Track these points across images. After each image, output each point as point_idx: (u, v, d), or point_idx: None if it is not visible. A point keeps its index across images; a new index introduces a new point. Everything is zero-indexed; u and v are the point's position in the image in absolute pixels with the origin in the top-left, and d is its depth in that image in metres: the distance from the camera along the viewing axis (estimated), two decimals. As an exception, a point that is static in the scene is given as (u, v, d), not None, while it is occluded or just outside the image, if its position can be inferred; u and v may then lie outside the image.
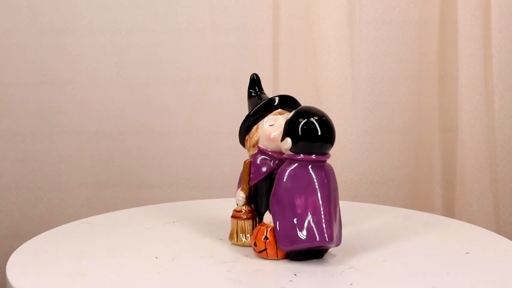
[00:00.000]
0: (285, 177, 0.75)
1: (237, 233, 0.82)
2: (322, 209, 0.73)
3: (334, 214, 0.75)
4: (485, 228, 0.95)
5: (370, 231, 0.91)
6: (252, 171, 0.82)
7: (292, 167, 0.75)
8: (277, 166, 0.80)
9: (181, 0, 1.32)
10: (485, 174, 1.27)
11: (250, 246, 0.81)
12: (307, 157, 0.74)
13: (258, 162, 0.82)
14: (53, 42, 1.32)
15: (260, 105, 0.82)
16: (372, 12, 1.29)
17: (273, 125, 0.81)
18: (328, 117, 0.75)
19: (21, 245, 0.84)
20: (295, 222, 0.74)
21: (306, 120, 0.74)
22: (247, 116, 0.82)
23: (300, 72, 1.33)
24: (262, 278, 0.73)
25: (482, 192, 1.27)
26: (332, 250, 0.79)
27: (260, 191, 0.82)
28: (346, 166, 1.31)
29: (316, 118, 0.74)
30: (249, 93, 0.86)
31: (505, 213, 1.31)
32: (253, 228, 0.82)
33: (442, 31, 1.31)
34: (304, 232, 0.73)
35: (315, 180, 0.74)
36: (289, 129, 0.75)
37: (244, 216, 0.82)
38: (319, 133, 0.74)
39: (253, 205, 0.83)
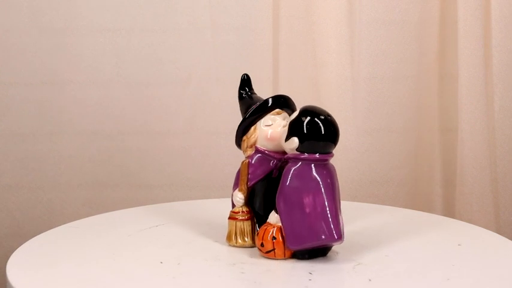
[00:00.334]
0: (292, 176, 0.76)
1: (235, 234, 0.82)
2: (330, 208, 0.74)
3: (339, 212, 0.76)
4: (485, 228, 0.95)
5: (370, 230, 0.91)
6: (250, 171, 0.81)
7: (299, 167, 0.76)
8: (276, 166, 0.81)
9: (181, 0, 1.32)
10: (485, 174, 1.27)
11: (250, 247, 0.81)
12: (315, 156, 0.75)
13: (257, 162, 0.81)
14: (53, 42, 1.32)
15: (257, 106, 0.81)
16: (372, 12, 1.29)
17: (271, 125, 0.81)
18: (332, 116, 0.76)
19: (21, 245, 0.84)
20: (304, 221, 0.74)
21: (313, 119, 0.75)
22: (245, 118, 0.82)
23: (300, 72, 1.33)
24: (280, 278, 0.73)
25: (482, 192, 1.27)
26: (334, 248, 0.79)
27: (257, 191, 0.82)
28: (346, 166, 1.31)
29: (323, 118, 0.75)
30: (240, 94, 0.85)
31: (505, 213, 1.31)
32: (252, 229, 0.82)
33: (442, 31, 1.31)
34: (314, 231, 0.74)
35: (322, 179, 0.75)
36: (296, 129, 0.76)
37: (243, 217, 0.82)
38: (327, 132, 0.75)
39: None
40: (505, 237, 0.88)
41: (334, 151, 0.77)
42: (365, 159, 1.32)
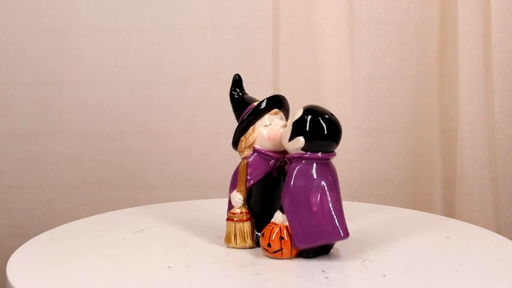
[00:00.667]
0: (298, 176, 0.76)
1: (235, 235, 0.82)
2: (336, 205, 0.76)
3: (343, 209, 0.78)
4: (485, 228, 0.95)
5: (370, 228, 0.91)
6: (248, 172, 0.81)
7: (305, 166, 0.77)
8: (274, 166, 0.81)
9: (181, 0, 1.32)
10: (485, 174, 1.27)
11: (250, 248, 0.81)
12: (320, 155, 0.76)
13: (255, 162, 0.81)
14: (53, 42, 1.32)
15: (257, 106, 0.81)
16: (372, 12, 1.29)
17: (270, 125, 0.81)
18: (334, 115, 0.78)
19: (21, 245, 0.84)
20: (312, 219, 0.75)
21: (319, 119, 0.76)
22: (244, 118, 0.82)
23: (300, 72, 1.33)
24: (298, 277, 0.73)
25: (482, 192, 1.27)
26: (335, 246, 0.80)
27: (256, 192, 0.82)
28: (346, 166, 1.31)
29: (327, 117, 0.77)
30: (232, 95, 0.85)
31: (505, 213, 1.31)
32: (252, 230, 0.82)
33: (442, 31, 1.31)
34: (321, 229, 0.75)
35: (327, 178, 0.76)
36: (302, 128, 0.76)
37: (243, 218, 0.82)
38: (332, 131, 0.77)
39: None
40: (505, 237, 0.89)
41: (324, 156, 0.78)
42: (365, 159, 1.32)
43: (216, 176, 1.34)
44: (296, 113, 0.79)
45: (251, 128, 0.82)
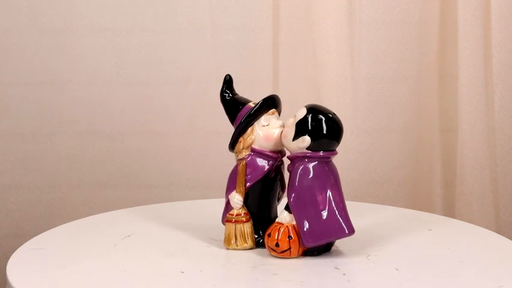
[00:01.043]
0: (304, 175, 0.77)
1: (235, 237, 0.81)
2: (340, 203, 0.77)
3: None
4: (485, 228, 0.95)
5: (369, 227, 0.91)
6: (247, 172, 0.81)
7: (309, 165, 0.78)
8: (272, 166, 0.81)
9: (181, 0, 1.32)
10: (485, 174, 1.27)
11: (250, 249, 0.81)
12: (324, 154, 0.78)
13: (254, 163, 0.81)
14: (53, 42, 1.32)
15: (256, 107, 0.81)
16: (372, 12, 1.29)
17: (268, 125, 0.81)
18: (336, 114, 0.79)
19: (21, 245, 0.84)
20: (318, 217, 0.77)
21: (324, 118, 0.78)
22: (244, 119, 0.81)
23: (300, 72, 1.33)
24: (315, 275, 0.74)
25: (482, 192, 1.27)
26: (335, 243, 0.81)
27: (253, 192, 0.82)
28: (346, 166, 1.31)
29: (330, 116, 0.78)
30: (224, 96, 0.85)
31: (505, 213, 1.31)
32: (252, 231, 0.81)
33: (442, 31, 1.31)
34: (329, 226, 0.77)
35: (331, 176, 0.78)
36: (307, 128, 0.77)
37: (243, 219, 0.81)
38: (336, 130, 0.78)
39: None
40: (505, 237, 0.89)
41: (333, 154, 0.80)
42: (365, 159, 1.32)
43: (216, 176, 1.34)
44: (298, 112, 0.79)
45: (250, 128, 0.82)
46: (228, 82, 0.85)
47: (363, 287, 0.71)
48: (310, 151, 0.77)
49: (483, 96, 1.26)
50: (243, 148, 0.82)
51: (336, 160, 0.81)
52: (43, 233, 0.90)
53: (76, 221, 0.97)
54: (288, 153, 0.81)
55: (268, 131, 0.81)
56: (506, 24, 1.28)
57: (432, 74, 1.33)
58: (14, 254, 0.81)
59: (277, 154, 0.82)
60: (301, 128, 0.78)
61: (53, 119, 1.34)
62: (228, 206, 0.82)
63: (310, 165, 0.78)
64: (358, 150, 1.31)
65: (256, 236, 0.82)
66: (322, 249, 0.79)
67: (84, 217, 1.00)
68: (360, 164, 1.32)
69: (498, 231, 1.26)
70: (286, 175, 0.82)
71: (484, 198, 1.27)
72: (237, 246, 0.81)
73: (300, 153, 0.78)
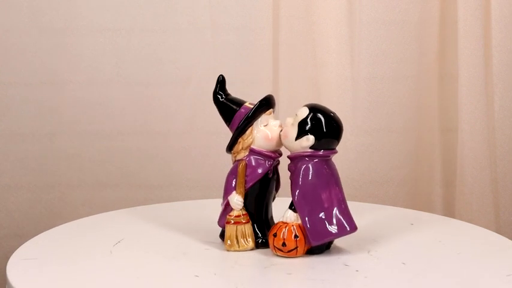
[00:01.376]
0: (309, 174, 0.78)
1: (237, 238, 0.81)
2: (343, 201, 0.79)
3: None
4: (485, 228, 0.95)
5: (367, 226, 0.91)
6: (247, 173, 0.81)
7: (313, 164, 0.79)
8: (271, 166, 0.81)
9: (181, 0, 1.32)
10: (485, 174, 1.27)
11: (251, 250, 0.81)
12: (326, 152, 0.79)
13: (254, 163, 0.81)
14: (53, 42, 1.32)
15: (256, 107, 0.81)
16: (372, 12, 1.29)
17: (267, 125, 0.81)
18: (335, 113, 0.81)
19: (21, 245, 0.84)
20: (323, 216, 0.78)
21: (326, 117, 0.79)
22: (244, 120, 0.81)
23: (300, 72, 1.33)
24: (331, 273, 0.74)
25: (482, 192, 1.27)
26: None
27: (251, 192, 0.81)
28: (346, 166, 1.31)
29: (332, 115, 0.79)
30: (217, 98, 0.84)
31: (505, 213, 1.31)
32: (251, 231, 0.81)
33: (442, 31, 1.31)
34: (334, 224, 0.78)
35: (333, 174, 0.79)
36: (311, 127, 0.78)
37: (244, 220, 0.81)
38: (338, 129, 0.79)
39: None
40: (505, 237, 0.89)
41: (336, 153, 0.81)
42: (365, 159, 1.32)
43: (216, 176, 1.33)
44: (299, 112, 0.79)
45: (249, 129, 0.81)
46: (221, 82, 0.85)
47: (380, 282, 0.72)
48: (313, 150, 0.78)
49: (483, 96, 1.26)
50: (242, 149, 0.81)
51: (336, 160, 0.81)
52: (43, 233, 0.90)
53: (76, 221, 0.97)
54: (287, 153, 0.82)
55: (267, 131, 0.81)
56: (506, 24, 1.28)
57: (432, 74, 1.33)
58: (14, 254, 0.81)
59: (275, 154, 0.82)
60: (304, 128, 0.78)
61: (53, 119, 1.34)
62: (227, 208, 0.82)
63: (314, 164, 0.78)
64: (358, 150, 1.31)
65: (258, 236, 0.82)
66: (324, 247, 0.80)
67: (84, 217, 1.00)
68: (360, 164, 1.32)
69: (498, 231, 1.26)
70: (285, 175, 0.83)
71: (484, 198, 1.27)
72: (238, 247, 0.81)
73: (302, 152, 0.79)
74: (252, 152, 0.81)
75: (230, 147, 0.82)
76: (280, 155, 0.83)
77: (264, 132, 0.81)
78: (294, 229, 0.78)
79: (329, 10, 1.30)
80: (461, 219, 1.26)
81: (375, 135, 1.32)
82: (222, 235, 0.83)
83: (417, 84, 1.32)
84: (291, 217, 0.79)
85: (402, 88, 1.31)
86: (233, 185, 0.82)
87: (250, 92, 1.28)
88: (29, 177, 1.35)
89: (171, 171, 1.35)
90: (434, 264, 0.77)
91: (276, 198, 0.85)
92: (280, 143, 0.81)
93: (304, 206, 0.78)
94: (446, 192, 1.35)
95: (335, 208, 0.78)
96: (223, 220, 0.82)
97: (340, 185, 0.80)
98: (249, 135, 0.81)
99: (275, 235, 0.78)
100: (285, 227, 0.78)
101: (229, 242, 0.81)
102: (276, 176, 0.83)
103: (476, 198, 1.27)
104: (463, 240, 0.88)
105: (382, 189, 1.33)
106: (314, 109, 0.79)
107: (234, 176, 0.81)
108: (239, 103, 0.83)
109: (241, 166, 0.81)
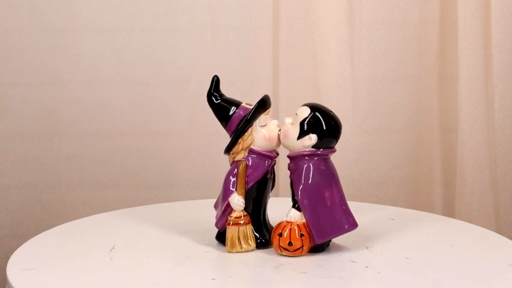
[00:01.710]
0: (312, 172, 0.79)
1: (239, 239, 0.81)
2: (343, 198, 0.80)
3: None
4: (485, 228, 0.95)
5: (365, 224, 0.91)
6: (247, 174, 0.81)
7: (315, 162, 0.79)
8: (269, 166, 0.81)
9: (181, 0, 1.32)
10: (485, 174, 1.27)
11: (252, 251, 0.80)
12: (326, 151, 0.80)
13: (254, 164, 0.81)
14: (53, 42, 1.32)
15: (256, 108, 0.81)
16: (372, 12, 1.29)
17: (265, 125, 0.82)
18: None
19: (21, 245, 0.84)
20: (327, 214, 0.79)
21: (327, 116, 0.80)
22: (242, 123, 0.81)
23: (300, 72, 1.33)
24: (344, 270, 0.76)
25: (482, 192, 1.27)
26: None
27: (250, 193, 0.81)
28: (346, 166, 1.31)
29: (332, 114, 0.80)
30: (211, 100, 0.84)
31: (505, 213, 1.31)
32: (252, 232, 0.81)
33: (442, 31, 1.31)
34: (336, 222, 0.79)
35: (334, 172, 0.81)
36: (314, 127, 0.79)
37: (245, 221, 0.81)
38: (338, 128, 0.80)
39: None
40: (505, 237, 0.89)
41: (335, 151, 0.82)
42: (365, 159, 1.32)
43: (216, 176, 1.33)
44: (299, 111, 0.80)
45: (249, 130, 0.81)
46: (216, 83, 0.85)
47: (394, 277, 0.73)
48: (315, 149, 0.79)
49: (483, 96, 1.26)
50: (242, 149, 0.81)
51: (336, 160, 0.82)
52: (43, 233, 0.90)
53: (76, 221, 0.97)
54: (284, 152, 0.82)
55: (267, 131, 0.81)
56: (506, 24, 1.28)
57: (432, 74, 1.33)
58: (14, 254, 0.81)
59: (274, 154, 0.82)
60: (307, 127, 0.79)
61: (53, 119, 1.34)
62: (226, 210, 0.82)
63: (316, 163, 0.79)
64: (358, 150, 1.31)
65: (257, 236, 0.82)
66: (326, 245, 0.81)
67: (84, 217, 1.00)
68: (360, 164, 1.32)
69: (498, 231, 1.26)
70: (285, 175, 0.83)
71: (484, 198, 1.27)
72: (241, 249, 0.81)
73: (305, 151, 0.79)
74: (251, 152, 0.81)
75: (230, 148, 0.82)
76: (278, 154, 0.83)
77: (263, 133, 0.81)
78: (299, 228, 0.78)
79: (329, 10, 1.30)
80: (461, 219, 1.26)
81: (375, 135, 1.32)
82: (219, 237, 0.83)
83: (417, 84, 1.32)
84: (295, 216, 0.79)
85: (402, 88, 1.31)
86: (231, 186, 0.81)
87: (250, 92, 1.28)
88: (29, 177, 1.35)
89: (171, 171, 1.35)
90: (436, 258, 0.79)
91: (270, 198, 0.85)
92: (278, 142, 0.82)
93: (308, 204, 0.79)
94: (446, 192, 1.35)
95: (336, 206, 0.79)
96: (221, 222, 0.82)
97: (339, 182, 0.81)
98: (249, 136, 0.81)
99: (280, 235, 0.78)
100: (289, 226, 0.78)
101: (230, 243, 0.81)
102: (272, 176, 0.83)
103: (476, 198, 1.27)
104: (462, 237, 0.88)
105: (382, 189, 1.33)
106: (315, 108, 0.80)
107: (233, 177, 0.81)
108: (236, 104, 0.83)
109: (241, 167, 0.81)
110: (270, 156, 0.82)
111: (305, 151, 0.79)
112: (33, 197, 1.35)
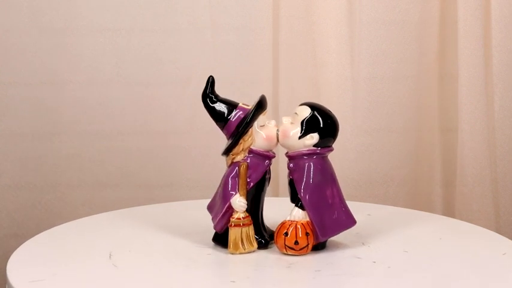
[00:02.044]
0: (313, 171, 0.80)
1: (242, 241, 0.80)
2: (342, 196, 0.81)
3: None
4: (485, 228, 0.95)
5: (363, 223, 0.91)
6: (248, 174, 0.81)
7: (316, 161, 0.80)
8: (268, 165, 0.81)
9: (181, 0, 1.32)
10: (485, 174, 1.27)
11: (254, 252, 0.80)
12: (325, 150, 0.81)
13: (255, 164, 0.81)
14: (53, 42, 1.32)
15: (255, 109, 0.81)
16: (372, 12, 1.29)
17: (263, 126, 0.82)
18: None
19: (21, 245, 0.84)
20: (330, 212, 0.80)
21: (328, 116, 0.81)
22: (243, 124, 0.80)
23: (300, 72, 1.33)
24: (355, 267, 0.77)
25: (482, 192, 1.27)
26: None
27: (250, 193, 0.81)
28: (346, 166, 1.31)
29: (330, 113, 0.81)
30: (207, 103, 0.83)
31: (505, 213, 1.31)
32: (253, 233, 0.81)
33: (442, 31, 1.31)
34: (338, 219, 0.80)
35: (332, 171, 0.82)
36: (316, 126, 0.80)
37: (248, 222, 0.81)
38: (337, 127, 0.81)
39: None
40: (505, 237, 0.89)
41: (333, 151, 0.83)
42: (365, 159, 1.32)
43: (216, 176, 1.32)
44: (299, 111, 0.80)
45: (250, 130, 0.81)
46: (212, 83, 0.84)
47: (405, 270, 0.75)
48: (315, 148, 0.80)
49: (483, 96, 1.26)
50: (242, 150, 0.81)
51: (335, 160, 0.83)
52: (43, 233, 0.90)
53: (76, 220, 0.97)
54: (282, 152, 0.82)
55: (267, 131, 0.81)
56: (506, 24, 1.28)
57: (432, 74, 1.33)
58: (14, 254, 0.81)
59: (273, 153, 0.83)
60: (308, 126, 0.79)
61: (53, 119, 1.34)
62: (227, 212, 0.81)
63: (317, 162, 0.80)
64: (358, 150, 1.31)
65: (257, 237, 0.82)
66: (326, 243, 0.82)
67: (84, 217, 1.00)
68: (360, 164, 1.32)
69: (498, 231, 1.26)
70: (284, 174, 0.83)
71: (484, 198, 1.27)
72: (244, 250, 0.81)
73: (304, 150, 0.79)
74: (251, 152, 0.81)
75: (230, 149, 0.82)
76: (275, 154, 0.83)
77: (263, 133, 0.81)
78: (303, 226, 0.79)
79: (329, 10, 1.30)
80: (461, 219, 1.26)
81: (375, 135, 1.32)
82: (215, 239, 0.83)
83: (417, 84, 1.32)
84: (299, 215, 0.80)
85: (402, 88, 1.31)
86: (230, 188, 0.81)
87: (250, 92, 1.28)
88: (29, 177, 1.35)
89: (171, 171, 1.35)
90: (435, 251, 0.80)
91: (270, 198, 0.86)
92: (277, 142, 0.82)
93: (312, 202, 0.79)
94: (446, 192, 1.35)
95: (337, 203, 0.80)
96: (221, 224, 0.82)
97: (336, 180, 0.82)
98: (250, 136, 0.81)
99: (286, 234, 0.78)
100: (294, 225, 0.79)
101: (233, 245, 0.80)
102: (269, 176, 0.83)
103: (476, 198, 1.27)
104: (462, 237, 0.88)
105: (382, 189, 1.33)
106: (315, 108, 0.81)
107: (234, 179, 0.81)
108: (232, 104, 0.83)
109: (243, 168, 0.81)
110: (268, 156, 0.82)
111: (305, 150, 0.80)
112: (33, 197, 1.35)
